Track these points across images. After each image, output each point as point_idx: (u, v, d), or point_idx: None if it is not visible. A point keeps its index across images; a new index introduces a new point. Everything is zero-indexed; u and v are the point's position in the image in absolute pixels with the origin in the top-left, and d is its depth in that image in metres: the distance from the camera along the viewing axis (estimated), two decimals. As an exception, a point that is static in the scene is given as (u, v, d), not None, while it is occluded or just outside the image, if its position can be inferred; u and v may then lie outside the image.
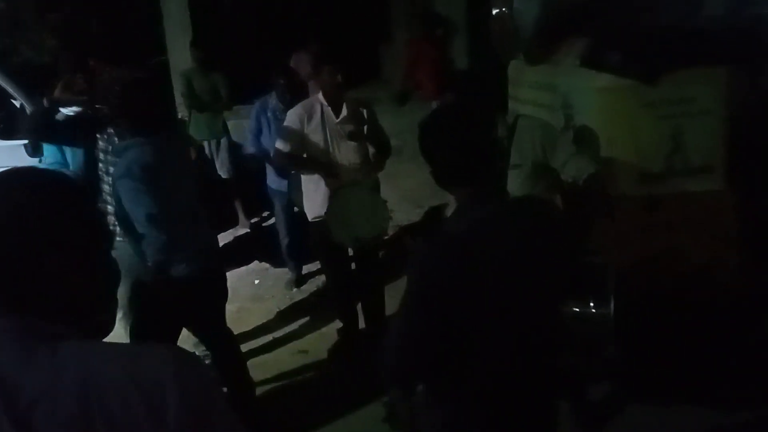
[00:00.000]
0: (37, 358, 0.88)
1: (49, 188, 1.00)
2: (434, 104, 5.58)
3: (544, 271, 1.66)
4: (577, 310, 1.85)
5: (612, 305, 1.85)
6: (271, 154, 4.15)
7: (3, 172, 1.01)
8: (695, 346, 2.84)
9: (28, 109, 4.91)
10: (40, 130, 3.32)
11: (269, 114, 4.57)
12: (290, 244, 4.83)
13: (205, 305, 2.99)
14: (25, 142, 4.79)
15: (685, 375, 2.88)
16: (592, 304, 1.86)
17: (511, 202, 1.89)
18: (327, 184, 3.58)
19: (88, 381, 0.87)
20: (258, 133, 4.65)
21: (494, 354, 1.61)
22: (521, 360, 1.64)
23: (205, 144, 5.65)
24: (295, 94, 4.35)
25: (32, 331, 0.91)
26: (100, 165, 3.15)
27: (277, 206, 4.82)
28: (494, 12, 3.64)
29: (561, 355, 1.78)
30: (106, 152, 3.10)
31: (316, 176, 3.63)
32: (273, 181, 4.69)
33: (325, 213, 3.49)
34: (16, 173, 1.03)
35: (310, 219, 3.79)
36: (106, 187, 3.07)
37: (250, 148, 4.79)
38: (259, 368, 3.72)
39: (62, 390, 0.86)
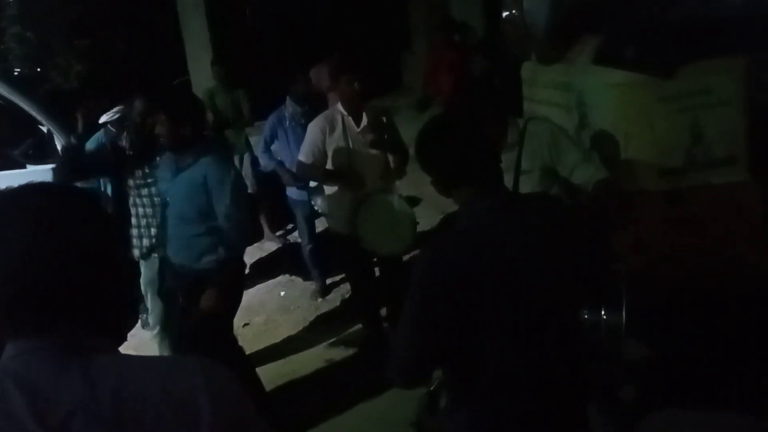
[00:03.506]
0: (71, 373, 0.90)
1: (64, 200, 0.98)
2: (454, 110, 5.56)
3: (552, 266, 1.63)
4: (587, 317, 1.82)
5: (623, 313, 1.81)
6: (288, 164, 4.19)
7: (11, 190, 0.97)
8: (722, 344, 2.76)
9: (56, 136, 5.02)
10: (72, 169, 3.56)
11: (287, 123, 4.61)
12: (312, 250, 4.85)
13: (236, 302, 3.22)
14: (54, 166, 4.91)
15: (715, 375, 2.80)
16: (603, 313, 1.82)
17: (514, 195, 1.90)
18: (352, 193, 3.57)
19: (122, 393, 0.89)
20: (270, 143, 4.73)
21: (507, 353, 1.58)
22: (535, 360, 1.61)
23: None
24: (311, 96, 4.35)
25: (66, 347, 0.92)
26: (135, 188, 3.58)
27: (299, 215, 4.85)
28: (505, 14, 3.63)
29: (576, 358, 1.74)
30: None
31: (340, 185, 3.64)
32: (293, 191, 4.73)
33: (353, 221, 3.47)
34: (26, 191, 0.99)
35: (335, 227, 3.80)
36: (140, 209, 3.60)
37: (262, 160, 4.85)
38: (287, 378, 3.75)
39: (97, 402, 0.88)
